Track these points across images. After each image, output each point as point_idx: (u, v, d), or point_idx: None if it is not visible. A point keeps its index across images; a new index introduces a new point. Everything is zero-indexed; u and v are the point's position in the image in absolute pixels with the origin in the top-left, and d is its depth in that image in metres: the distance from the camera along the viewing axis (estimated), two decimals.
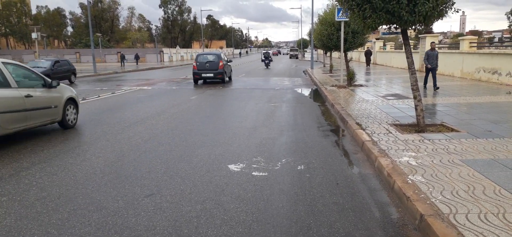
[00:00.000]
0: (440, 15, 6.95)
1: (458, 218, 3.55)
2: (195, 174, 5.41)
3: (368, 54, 32.62)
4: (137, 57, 50.48)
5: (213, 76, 20.11)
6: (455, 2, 6.93)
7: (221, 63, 20.05)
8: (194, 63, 20.56)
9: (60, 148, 7.00)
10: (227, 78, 21.28)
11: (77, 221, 3.95)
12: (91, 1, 73.30)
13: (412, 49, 26.86)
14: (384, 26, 7.86)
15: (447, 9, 6.95)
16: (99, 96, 15.22)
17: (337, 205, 4.33)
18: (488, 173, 4.74)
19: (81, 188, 4.92)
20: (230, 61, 24.90)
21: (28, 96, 7.48)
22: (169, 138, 7.75)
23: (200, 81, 21.03)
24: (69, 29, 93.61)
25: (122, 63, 44.89)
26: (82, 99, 14.19)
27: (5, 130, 7.01)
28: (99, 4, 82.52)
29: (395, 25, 7.36)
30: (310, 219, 3.98)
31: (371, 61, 34.00)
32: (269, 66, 38.00)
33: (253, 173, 5.46)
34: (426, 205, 3.86)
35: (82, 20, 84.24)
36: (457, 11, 7.20)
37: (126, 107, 12.09)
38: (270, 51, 51.33)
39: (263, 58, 40.30)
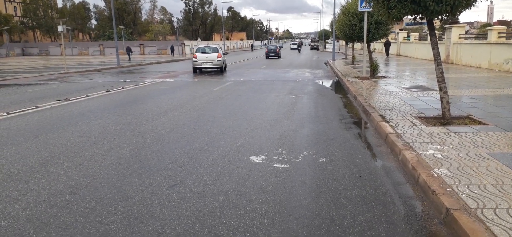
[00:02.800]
0: (468, 4, 6.73)
1: (485, 213, 3.47)
2: (218, 165, 5.46)
3: (387, 44, 33.76)
4: (129, 50, 41.77)
5: (274, 55, 42.93)
6: None
7: (278, 49, 44.34)
8: (266, 49, 45.26)
9: (87, 138, 7.19)
10: (280, 56, 44.26)
11: (104, 210, 4.06)
12: None
13: (438, 39, 26.21)
14: (409, 16, 7.67)
15: None
16: (122, 88, 15.50)
17: (360, 198, 4.30)
18: None
19: (107, 177, 5.05)
20: (281, 46, 59.74)
21: (224, 55, 24.61)
22: (191, 129, 7.84)
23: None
24: (93, 22, 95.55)
25: (129, 57, 40.87)
26: (106, 91, 14.50)
27: (223, 65, 23.75)
28: None
29: (420, 15, 7.20)
30: (332, 212, 3.97)
31: (390, 52, 35.25)
32: (300, 51, 59.93)
33: (275, 165, 5.47)
34: (452, 199, 3.78)
35: (105, 13, 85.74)
36: (486, 0, 6.97)
37: (149, 99, 12.29)
38: (298, 41, 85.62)
39: (296, 46, 71.15)
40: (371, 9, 13.97)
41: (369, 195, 4.38)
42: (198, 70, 22.90)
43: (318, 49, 67.50)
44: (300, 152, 6.14)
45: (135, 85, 16.73)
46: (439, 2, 6.53)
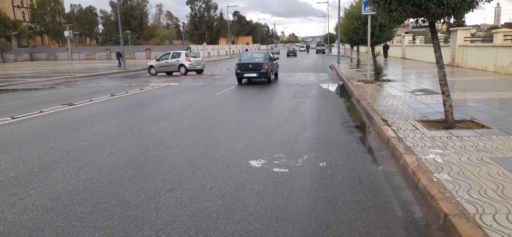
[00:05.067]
0: (470, 7, 6.65)
1: (484, 219, 3.41)
2: (217, 170, 5.45)
3: (385, 47, 35.30)
4: (119, 56, 37.66)
5: (292, 54, 60.26)
6: None
7: (295, 50, 64.04)
8: (287, 50, 64.73)
9: (88, 142, 7.22)
10: (296, 55, 61.55)
11: (100, 214, 4.05)
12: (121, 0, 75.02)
13: (443, 42, 26.03)
14: (411, 19, 7.62)
15: (478, 1, 6.64)
16: (127, 93, 15.57)
17: (359, 203, 4.25)
18: None
19: (105, 182, 5.05)
20: (296, 50, 68.07)
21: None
22: (192, 133, 7.83)
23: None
24: (100, 27, 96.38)
25: (120, 62, 36.90)
26: (111, 95, 14.57)
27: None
28: (129, 2, 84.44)
29: (422, 18, 7.14)
30: (330, 217, 3.93)
31: (393, 55, 37.95)
32: (308, 52, 75.75)
33: (274, 169, 5.43)
34: (451, 204, 3.72)
35: (112, 18, 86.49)
36: (489, 2, 6.89)
37: (153, 103, 12.33)
38: (305, 44, 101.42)
39: (304, 48, 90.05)
40: (374, 13, 13.92)
41: (368, 200, 4.33)
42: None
43: (323, 52, 67.40)
44: (300, 156, 6.10)
45: (140, 89, 16.80)
46: (441, 4, 6.47)
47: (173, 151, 6.47)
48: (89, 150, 6.69)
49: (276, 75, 20.83)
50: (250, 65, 17.89)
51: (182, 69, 25.48)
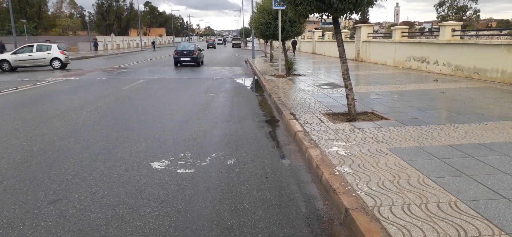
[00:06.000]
0: (369, 3, 6.95)
1: (382, 211, 3.45)
2: (112, 175, 4.89)
3: (294, 43, 37.77)
4: (2, 47, 33.21)
5: (212, 47, 63.20)
6: None
7: (215, 43, 69.60)
8: (207, 43, 66.88)
9: None
10: (215, 47, 66.17)
11: None
12: None
13: (349, 38, 27.71)
14: (317, 14, 7.75)
15: None
16: (17, 88, 13.78)
17: (264, 202, 4.09)
18: (413, 161, 4.75)
19: None
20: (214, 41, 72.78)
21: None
22: (88, 134, 7.06)
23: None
24: None
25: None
26: None
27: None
28: None
29: (327, 14, 7.28)
30: (233, 220, 3.69)
31: (303, 50, 41.05)
32: (225, 45, 77.26)
33: (178, 171, 5.06)
34: (352, 198, 3.73)
35: (4, 5, 76.96)
36: None
37: (47, 101, 11.02)
38: (222, 38, 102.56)
39: (222, 42, 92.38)
40: (284, 7, 14.12)
41: (273, 198, 4.19)
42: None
43: (239, 46, 67.89)
44: (208, 154, 5.80)
45: (33, 85, 14.98)
46: (343, 0, 6.63)
47: (62, 155, 5.71)
48: None
49: (202, 62, 26.80)
50: (185, 52, 24.66)
51: (56, 63, 23.19)
